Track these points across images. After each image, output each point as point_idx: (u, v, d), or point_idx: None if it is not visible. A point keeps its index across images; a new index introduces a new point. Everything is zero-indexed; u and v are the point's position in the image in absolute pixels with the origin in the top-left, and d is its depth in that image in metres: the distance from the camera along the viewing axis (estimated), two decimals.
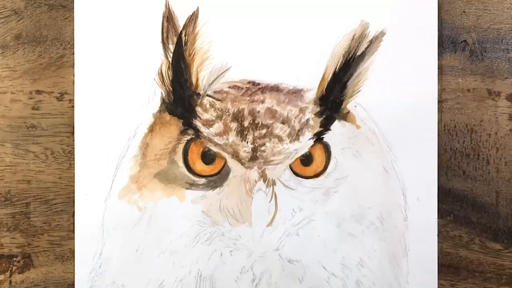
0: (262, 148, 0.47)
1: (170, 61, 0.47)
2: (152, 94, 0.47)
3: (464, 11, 0.49)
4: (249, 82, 0.47)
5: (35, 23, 0.48)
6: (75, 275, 0.47)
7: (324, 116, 0.47)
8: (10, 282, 0.48)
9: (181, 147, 0.47)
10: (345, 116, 0.48)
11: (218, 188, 0.47)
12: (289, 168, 0.47)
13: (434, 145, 0.48)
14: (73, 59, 0.47)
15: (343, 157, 0.47)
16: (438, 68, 0.48)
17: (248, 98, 0.47)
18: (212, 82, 0.47)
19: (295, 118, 0.47)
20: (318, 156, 0.47)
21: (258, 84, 0.47)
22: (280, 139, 0.47)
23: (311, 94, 0.47)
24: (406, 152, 0.48)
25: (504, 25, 0.49)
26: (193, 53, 0.47)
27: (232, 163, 0.47)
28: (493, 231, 0.49)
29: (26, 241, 0.48)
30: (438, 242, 0.48)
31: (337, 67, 0.47)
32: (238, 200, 0.47)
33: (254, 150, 0.47)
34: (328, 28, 0.48)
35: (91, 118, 0.47)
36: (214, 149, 0.47)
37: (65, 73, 0.48)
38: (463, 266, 0.49)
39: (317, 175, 0.47)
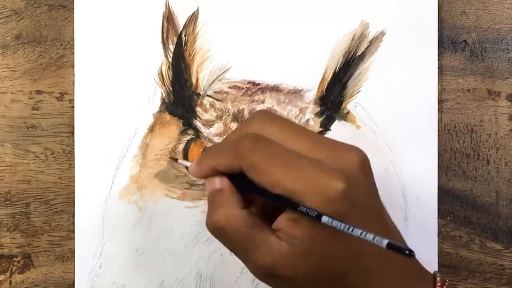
0: None
1: (170, 61, 0.47)
2: (152, 94, 0.47)
3: (464, 11, 0.49)
4: (249, 82, 0.47)
5: (35, 23, 0.48)
6: (75, 275, 0.47)
7: (324, 116, 0.47)
8: (10, 282, 0.48)
9: (181, 147, 0.47)
10: (345, 116, 0.48)
11: None
12: None
13: (434, 145, 0.48)
14: (73, 59, 0.47)
15: None
16: (438, 68, 0.48)
17: (248, 98, 0.47)
18: (212, 82, 0.47)
19: (295, 118, 0.47)
20: None
21: (258, 84, 0.47)
22: None
23: (311, 94, 0.47)
24: (406, 152, 0.48)
25: (504, 25, 0.49)
26: (193, 53, 0.47)
27: None
28: (493, 231, 0.49)
29: (26, 241, 0.48)
30: (438, 242, 0.48)
31: (337, 67, 0.47)
32: None
33: None
34: (328, 28, 0.48)
35: (91, 118, 0.47)
36: None
37: (65, 73, 0.48)
38: (463, 266, 0.49)
39: None
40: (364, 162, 0.34)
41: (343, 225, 0.30)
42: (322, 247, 0.32)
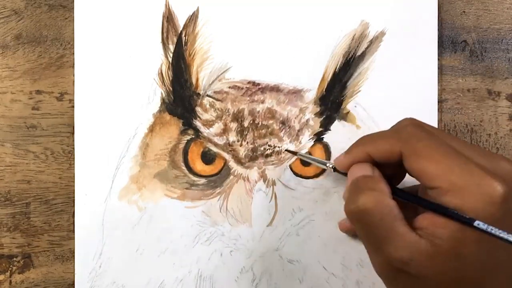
0: (262, 148, 0.47)
1: (170, 61, 0.47)
2: (152, 94, 0.47)
3: (464, 11, 0.49)
4: (249, 82, 0.47)
5: (35, 23, 0.48)
6: (75, 275, 0.47)
7: (324, 116, 0.47)
8: (10, 282, 0.48)
9: (181, 147, 0.47)
10: (345, 116, 0.48)
11: (218, 188, 0.47)
12: (289, 168, 0.47)
13: None
14: (73, 59, 0.47)
15: None
16: (438, 68, 0.48)
17: (248, 98, 0.47)
18: (212, 82, 0.47)
19: (295, 118, 0.47)
20: (318, 156, 0.47)
21: (258, 84, 0.47)
22: (280, 139, 0.47)
23: (311, 94, 0.47)
24: None
25: (504, 25, 0.49)
26: (193, 53, 0.47)
27: (232, 163, 0.47)
28: None
29: (26, 241, 0.48)
30: None
31: (337, 67, 0.47)
32: (238, 200, 0.47)
33: (254, 150, 0.47)
34: (328, 28, 0.48)
35: (91, 118, 0.47)
36: (214, 149, 0.47)
37: (65, 73, 0.48)
38: None
39: (317, 175, 0.47)
40: None
41: (500, 231, 0.29)
42: (467, 251, 0.31)
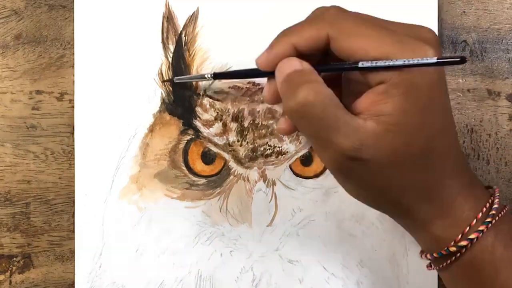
0: (262, 148, 0.47)
1: (170, 61, 0.47)
2: (152, 94, 0.47)
3: (464, 11, 0.49)
4: (249, 82, 0.47)
5: (35, 23, 0.48)
6: (75, 275, 0.47)
7: None
8: (10, 282, 0.48)
9: (181, 147, 0.47)
10: None
11: (218, 188, 0.47)
12: (289, 168, 0.47)
13: None
14: (73, 59, 0.47)
15: None
16: None
17: (248, 98, 0.47)
18: (212, 82, 0.47)
19: None
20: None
21: (258, 84, 0.47)
22: (280, 139, 0.47)
23: None
24: None
25: (504, 25, 0.49)
26: (193, 53, 0.47)
27: (232, 163, 0.47)
28: None
29: (26, 241, 0.48)
30: None
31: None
32: (238, 201, 0.47)
33: (254, 150, 0.47)
34: None
35: (91, 118, 0.47)
36: (214, 149, 0.47)
37: (65, 73, 0.48)
38: None
39: (317, 175, 0.47)
40: (439, 41, 0.34)
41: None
42: (412, 120, 0.31)
